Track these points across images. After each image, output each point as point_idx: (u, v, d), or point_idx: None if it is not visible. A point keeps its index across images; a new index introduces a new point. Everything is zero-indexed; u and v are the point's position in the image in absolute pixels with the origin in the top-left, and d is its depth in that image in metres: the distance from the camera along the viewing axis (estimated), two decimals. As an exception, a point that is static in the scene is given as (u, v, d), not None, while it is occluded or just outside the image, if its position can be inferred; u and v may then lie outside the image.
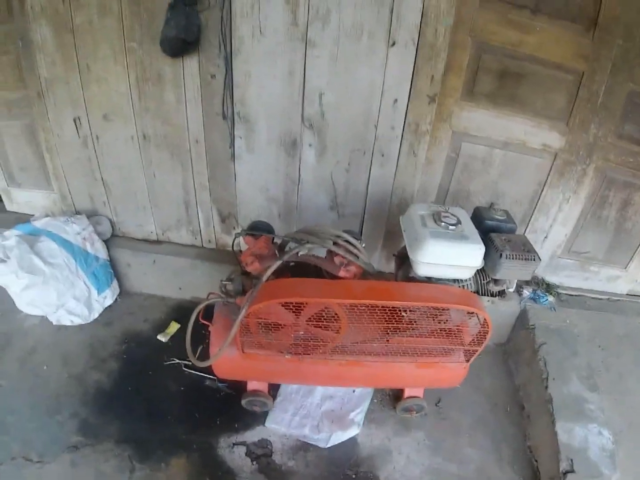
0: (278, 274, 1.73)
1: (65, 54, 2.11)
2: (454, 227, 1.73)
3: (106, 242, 2.57)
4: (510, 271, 1.75)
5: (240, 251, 1.87)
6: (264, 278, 1.59)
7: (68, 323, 2.42)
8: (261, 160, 2.30)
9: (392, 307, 1.61)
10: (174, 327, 2.50)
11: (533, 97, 2.18)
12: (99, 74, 2.12)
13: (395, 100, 2.09)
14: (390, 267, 2.59)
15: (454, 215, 1.78)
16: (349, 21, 1.92)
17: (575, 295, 2.79)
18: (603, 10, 1.98)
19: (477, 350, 1.82)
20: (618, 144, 2.33)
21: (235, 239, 1.82)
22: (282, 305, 1.59)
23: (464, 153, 2.31)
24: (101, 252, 2.51)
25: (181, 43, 1.92)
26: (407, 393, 2.14)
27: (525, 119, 2.22)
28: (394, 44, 1.96)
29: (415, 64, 2.01)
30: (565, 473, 1.86)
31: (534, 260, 1.75)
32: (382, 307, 1.60)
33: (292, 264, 1.83)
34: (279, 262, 1.62)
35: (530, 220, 2.55)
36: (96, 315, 2.50)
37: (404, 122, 2.15)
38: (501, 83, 2.14)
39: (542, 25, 2.01)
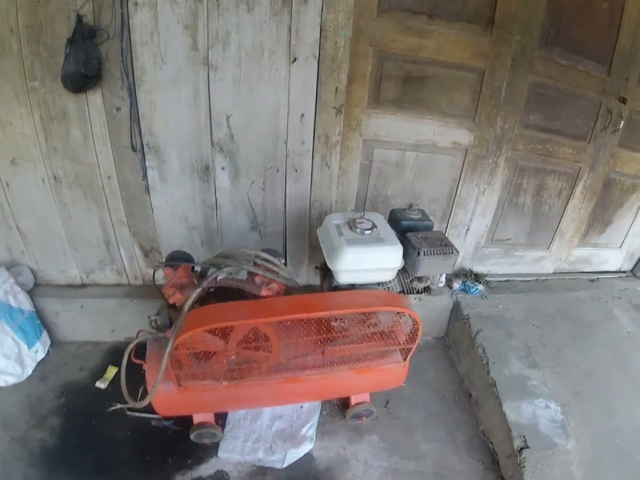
0: (202, 301, 1.71)
1: (-33, 101, 1.99)
2: (369, 231, 1.77)
3: (30, 292, 2.43)
4: (430, 267, 1.81)
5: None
6: (185, 308, 1.56)
7: (2, 384, 2.27)
8: (176, 189, 2.26)
9: (320, 319, 1.61)
10: (111, 371, 2.40)
11: (438, 98, 2.27)
12: (2, 118, 2.02)
13: (303, 115, 2.13)
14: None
15: (369, 220, 1.82)
16: (249, 42, 1.94)
17: (504, 281, 2.93)
18: (499, 9, 2.10)
19: (411, 348, 1.86)
20: (525, 133, 2.48)
21: (154, 272, 1.78)
22: (208, 332, 1.56)
23: (377, 159, 2.37)
24: (25, 303, 2.37)
25: (82, 78, 1.87)
26: (354, 400, 2.16)
27: (433, 120, 2.32)
28: (295, 60, 2.00)
29: (318, 77, 2.06)
30: (520, 450, 1.93)
31: (452, 253, 1.82)
32: (310, 319, 1.60)
33: (211, 289, 1.81)
34: (198, 290, 1.59)
35: (450, 215, 2.64)
36: (30, 371, 2.36)
37: (314, 135, 2.19)
38: (405, 88, 2.22)
39: (439, 29, 2.11)
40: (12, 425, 2.13)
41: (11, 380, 2.28)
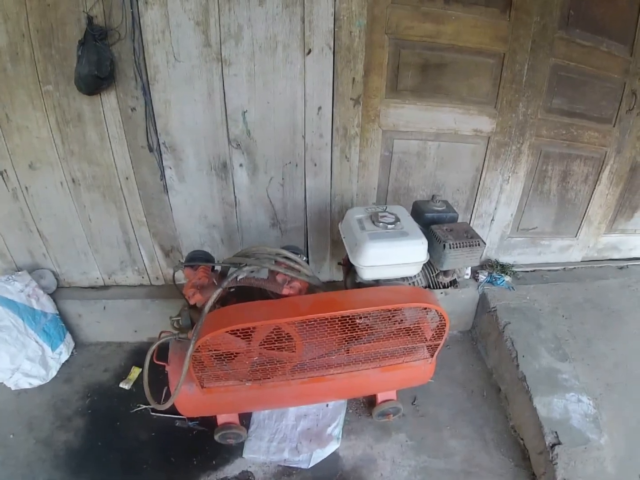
0: (223, 301, 1.68)
1: (-18, 107, 2.00)
2: (392, 225, 1.71)
3: (52, 295, 2.46)
4: (457, 260, 1.75)
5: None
6: (206, 309, 1.54)
7: (27, 386, 2.31)
8: (194, 188, 2.25)
9: (344, 317, 1.57)
10: (135, 372, 2.42)
11: (457, 85, 2.20)
12: (19, 123, 2.04)
13: (320, 108, 2.08)
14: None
15: (392, 214, 1.77)
16: (262, 35, 1.91)
17: (531, 271, 2.85)
18: (517, -10, 2.01)
19: (439, 345, 1.80)
20: (548, 118, 2.39)
21: (174, 273, 1.76)
22: (230, 333, 1.53)
23: (398, 150, 2.31)
24: (48, 306, 2.40)
25: (95, 79, 1.87)
26: (380, 398, 2.12)
27: (453, 108, 2.25)
28: (309, 51, 1.95)
29: (334, 68, 2.01)
30: (553, 446, 1.88)
31: (479, 245, 1.75)
32: (334, 318, 1.56)
33: (232, 289, 1.78)
34: (218, 291, 1.56)
35: (474, 205, 2.57)
36: (54, 373, 2.40)
37: (332, 128, 2.14)
38: (424, 76, 2.16)
39: (456, 13, 2.04)
40: (37, 427, 2.16)
41: (36, 382, 2.32)
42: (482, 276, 2.66)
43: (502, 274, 2.69)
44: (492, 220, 2.66)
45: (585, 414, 2.00)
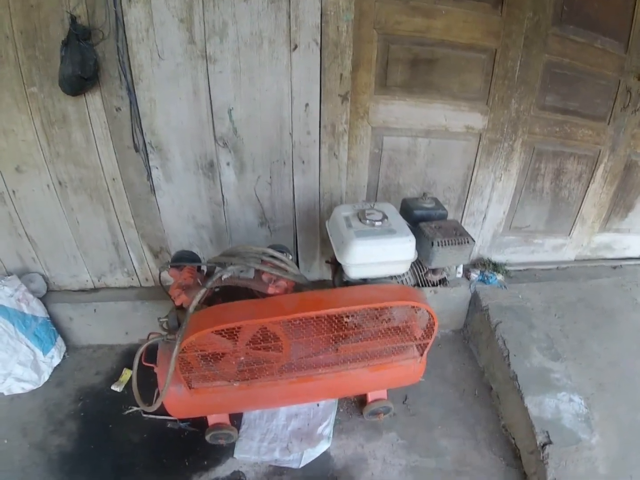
0: (210, 302, 1.66)
1: (-32, 111, 1.97)
2: (380, 222, 1.69)
3: (42, 299, 2.45)
4: (446, 258, 1.73)
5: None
6: (190, 309, 1.52)
7: (20, 391, 2.31)
8: (182, 187, 2.22)
9: (331, 316, 1.55)
10: (127, 374, 2.41)
11: (448, 81, 2.18)
12: (4, 126, 2.01)
13: (307, 105, 2.06)
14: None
15: (380, 211, 1.74)
16: (247, 31, 1.88)
17: (524, 270, 2.83)
18: (509, -15, 1.98)
19: (428, 343, 1.78)
20: (541, 115, 2.37)
21: (160, 273, 1.74)
22: (216, 334, 1.51)
23: (387, 147, 2.29)
24: (39, 310, 2.39)
25: (79, 80, 1.84)
26: (370, 397, 2.11)
27: (444, 104, 2.22)
28: (296, 47, 1.93)
29: (321, 64, 1.98)
30: (544, 445, 1.87)
31: (468, 243, 1.73)
32: (320, 317, 1.54)
33: (217, 289, 1.76)
34: (202, 291, 1.55)
35: (466, 203, 2.55)
36: (46, 377, 2.39)
37: (320, 125, 2.12)
38: (414, 72, 2.13)
39: (447, 7, 2.01)
40: (30, 432, 2.16)
41: (28, 387, 2.32)
42: (474, 275, 2.64)
43: (495, 273, 2.67)
44: (484, 218, 2.63)
45: (576, 414, 1.99)
